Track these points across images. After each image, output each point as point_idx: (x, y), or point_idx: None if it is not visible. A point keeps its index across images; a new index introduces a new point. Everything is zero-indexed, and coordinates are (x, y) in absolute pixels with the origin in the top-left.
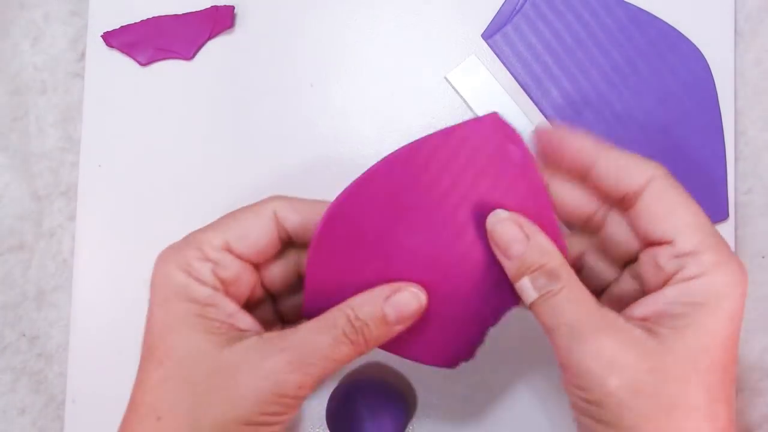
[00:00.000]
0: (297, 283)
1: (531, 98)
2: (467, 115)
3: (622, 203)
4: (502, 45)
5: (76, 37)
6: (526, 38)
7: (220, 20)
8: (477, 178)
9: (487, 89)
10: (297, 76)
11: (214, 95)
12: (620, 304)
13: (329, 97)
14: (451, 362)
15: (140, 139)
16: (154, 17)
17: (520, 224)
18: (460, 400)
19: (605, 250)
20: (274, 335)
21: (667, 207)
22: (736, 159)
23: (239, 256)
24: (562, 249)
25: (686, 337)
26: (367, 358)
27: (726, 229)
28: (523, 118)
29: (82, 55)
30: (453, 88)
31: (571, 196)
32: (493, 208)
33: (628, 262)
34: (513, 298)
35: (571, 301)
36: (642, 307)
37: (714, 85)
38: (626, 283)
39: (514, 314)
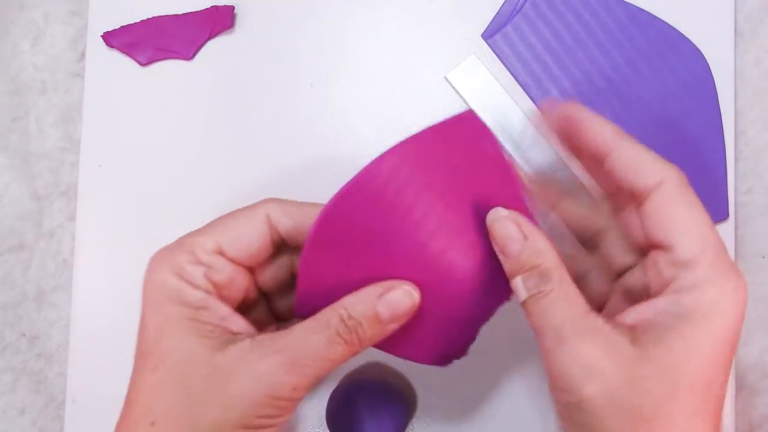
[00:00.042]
0: (290, 282)
1: (531, 98)
2: None
3: (632, 198)
4: (502, 45)
5: (76, 37)
6: (526, 38)
7: (220, 20)
8: (460, 174)
9: (487, 89)
10: (297, 76)
11: (214, 95)
12: (632, 297)
13: (329, 97)
14: (443, 360)
15: (140, 139)
16: (154, 17)
17: (519, 223)
18: (460, 400)
19: (619, 239)
20: (267, 337)
21: (671, 212)
22: (736, 159)
23: (232, 260)
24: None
25: (669, 351)
26: (367, 358)
27: (726, 229)
28: (523, 118)
29: (82, 55)
30: (453, 88)
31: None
32: (478, 203)
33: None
34: (504, 293)
35: (559, 304)
36: (634, 314)
37: (714, 85)
38: (637, 278)
39: (514, 314)
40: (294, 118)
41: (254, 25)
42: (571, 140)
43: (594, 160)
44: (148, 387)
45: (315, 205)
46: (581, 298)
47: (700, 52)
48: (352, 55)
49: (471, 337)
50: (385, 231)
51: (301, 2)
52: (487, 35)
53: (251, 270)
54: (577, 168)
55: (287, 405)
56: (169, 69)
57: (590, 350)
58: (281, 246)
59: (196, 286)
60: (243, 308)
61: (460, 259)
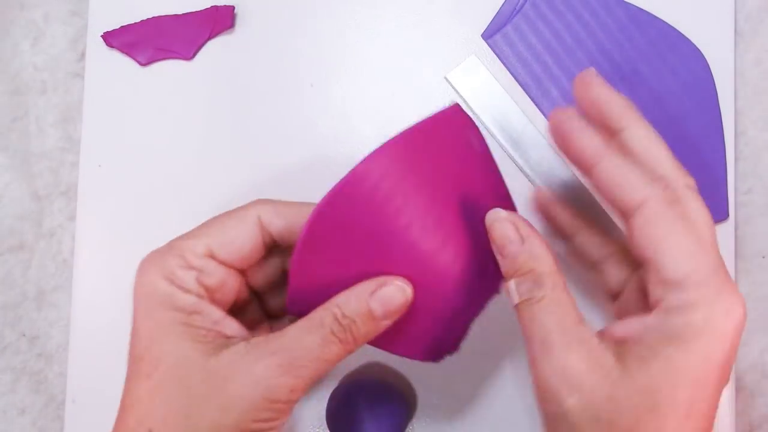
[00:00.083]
0: (281, 279)
1: (531, 98)
2: None
3: (620, 213)
4: (502, 45)
5: (76, 37)
6: (526, 38)
7: (220, 20)
8: (448, 169)
9: (487, 89)
10: (297, 76)
11: (214, 95)
12: (642, 293)
13: (329, 97)
14: (436, 356)
15: (140, 139)
16: (154, 17)
17: (517, 226)
18: (460, 400)
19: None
20: (262, 340)
21: (656, 232)
22: (736, 159)
23: (223, 263)
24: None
25: (652, 371)
26: (367, 358)
27: (726, 229)
28: (523, 118)
29: (82, 55)
30: (453, 88)
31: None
32: (466, 196)
33: None
34: (494, 288)
35: (550, 313)
36: (624, 326)
37: (714, 85)
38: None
39: (514, 315)
40: (294, 118)
41: (254, 25)
42: (563, 149)
43: (586, 170)
44: (144, 393)
45: (306, 204)
46: (573, 306)
47: (700, 52)
48: (352, 55)
49: (463, 333)
50: (376, 228)
51: (301, 2)
52: (487, 35)
53: (243, 271)
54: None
55: (284, 408)
56: (169, 69)
57: (575, 363)
58: (273, 246)
59: (188, 291)
60: (234, 308)
61: (449, 255)
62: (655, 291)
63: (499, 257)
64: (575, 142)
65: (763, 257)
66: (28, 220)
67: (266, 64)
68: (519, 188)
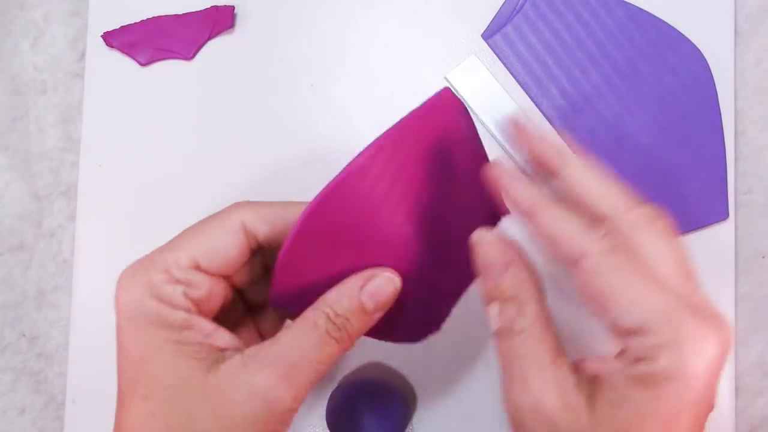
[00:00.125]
0: (263, 274)
1: (531, 98)
2: None
3: (564, 266)
4: (502, 45)
5: (76, 37)
6: (526, 38)
7: (220, 20)
8: (440, 153)
9: (487, 89)
10: (297, 76)
11: (214, 95)
12: None
13: (329, 97)
14: (421, 338)
15: (140, 139)
16: (154, 17)
17: (504, 249)
18: (460, 400)
19: None
20: (256, 350)
21: (602, 284)
22: (736, 159)
23: (209, 273)
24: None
25: (618, 416)
26: (367, 358)
27: (726, 229)
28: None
29: (82, 55)
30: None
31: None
32: (453, 181)
33: None
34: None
35: (529, 347)
36: (596, 364)
37: (714, 85)
38: None
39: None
40: (294, 118)
41: (254, 25)
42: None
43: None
44: (143, 416)
45: (287, 204)
46: (552, 339)
47: (700, 52)
48: (352, 55)
49: (447, 313)
50: (364, 223)
51: (301, 2)
52: (487, 35)
53: (228, 276)
54: None
55: (288, 417)
56: (169, 69)
57: (550, 402)
58: (257, 249)
59: (176, 307)
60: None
61: (435, 239)
62: (616, 340)
63: (482, 279)
64: (510, 195)
65: (763, 257)
66: (28, 220)
67: (266, 64)
68: None
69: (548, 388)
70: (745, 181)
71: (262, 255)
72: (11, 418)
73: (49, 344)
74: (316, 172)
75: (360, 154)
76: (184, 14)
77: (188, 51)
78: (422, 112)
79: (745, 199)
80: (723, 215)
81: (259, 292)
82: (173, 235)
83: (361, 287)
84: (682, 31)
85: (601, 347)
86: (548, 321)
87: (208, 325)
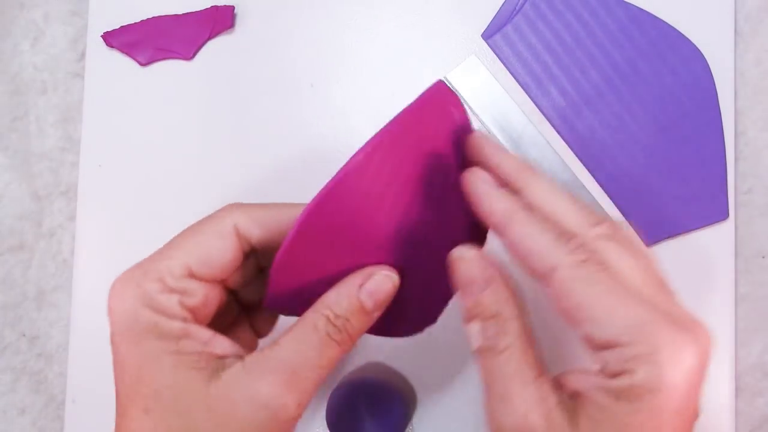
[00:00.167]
0: (256, 275)
1: (531, 98)
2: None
3: (536, 280)
4: (502, 45)
5: (76, 37)
6: (526, 38)
7: (220, 20)
8: (435, 148)
9: (487, 89)
10: (297, 76)
11: (214, 95)
12: None
13: (329, 97)
14: (418, 331)
15: (140, 139)
16: (154, 17)
17: (485, 265)
18: (460, 400)
19: None
20: (257, 357)
21: (574, 298)
22: (736, 159)
23: (203, 279)
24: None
25: None
26: (367, 358)
27: (726, 229)
28: (523, 118)
29: (82, 55)
30: (453, 88)
31: None
32: (448, 175)
33: None
34: None
35: (512, 366)
36: (577, 379)
37: (714, 85)
38: None
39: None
40: (294, 118)
41: (254, 25)
42: (475, 212)
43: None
44: (145, 430)
45: (281, 206)
46: (534, 355)
47: (700, 52)
48: (352, 55)
49: (442, 307)
50: (364, 222)
51: (301, 2)
52: (487, 35)
53: (222, 281)
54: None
55: (291, 425)
56: (169, 69)
57: (533, 420)
58: (250, 252)
59: (172, 317)
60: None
61: (429, 232)
62: (593, 354)
63: (461, 297)
64: (482, 206)
65: (763, 257)
66: (28, 220)
67: (266, 64)
68: None
69: (532, 407)
70: (745, 181)
71: (255, 256)
72: (11, 418)
73: (49, 344)
74: (316, 171)
75: (357, 153)
76: (184, 14)
77: (188, 51)
78: (417, 107)
79: (745, 199)
80: (723, 215)
81: (253, 291)
82: (173, 235)
83: (360, 286)
84: (682, 31)
85: (582, 361)
86: (530, 338)
87: (206, 333)
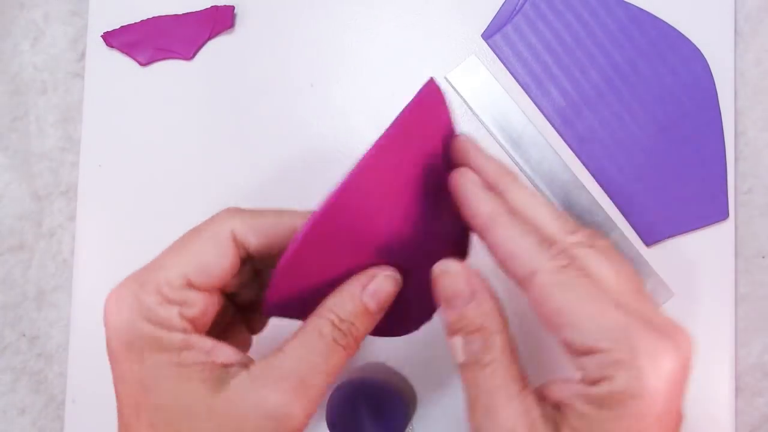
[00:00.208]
0: (252, 278)
1: (531, 98)
2: (467, 115)
3: (516, 283)
4: (502, 45)
5: (76, 37)
6: (526, 38)
7: (220, 20)
8: (429, 147)
9: (487, 89)
10: (297, 76)
11: (214, 95)
12: None
13: (329, 97)
14: (413, 329)
15: (140, 139)
16: (154, 17)
17: (469, 279)
18: (460, 400)
19: None
20: (262, 366)
21: (554, 302)
22: (736, 159)
23: (201, 288)
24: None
25: None
26: (367, 358)
27: (726, 229)
28: (523, 118)
29: (82, 55)
30: (453, 88)
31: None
32: (439, 175)
33: None
34: (464, 255)
35: (497, 380)
36: (559, 389)
37: (714, 85)
38: None
39: (511, 318)
40: (294, 118)
41: (254, 25)
42: (461, 212)
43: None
44: None
45: (279, 213)
46: (518, 368)
47: (700, 52)
48: (352, 55)
49: (438, 305)
50: (367, 226)
51: (301, 3)
52: (487, 35)
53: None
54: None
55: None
56: (169, 69)
57: None
58: (247, 257)
59: (172, 328)
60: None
61: (427, 231)
62: (572, 360)
63: (444, 311)
64: (469, 207)
65: (763, 257)
66: (28, 220)
67: (266, 64)
68: None
69: (517, 421)
70: (745, 181)
71: (252, 260)
72: (11, 418)
73: (49, 344)
74: (316, 171)
75: (363, 157)
76: (184, 14)
77: (188, 51)
78: (415, 107)
79: (745, 199)
80: (723, 215)
81: (248, 293)
82: (173, 235)
83: (364, 287)
84: (682, 31)
85: (562, 371)
86: (514, 351)
87: (208, 342)
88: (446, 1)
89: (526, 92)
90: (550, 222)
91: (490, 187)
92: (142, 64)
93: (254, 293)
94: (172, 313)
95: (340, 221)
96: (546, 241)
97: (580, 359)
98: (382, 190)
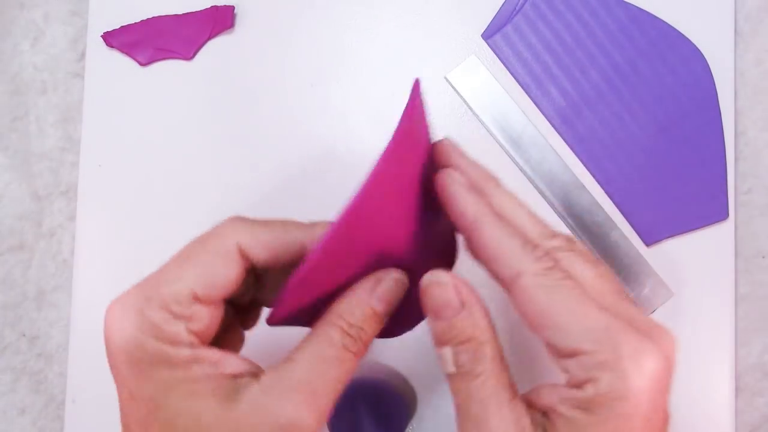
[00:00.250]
0: (252, 282)
1: (531, 98)
2: (467, 115)
3: (500, 285)
4: (502, 45)
5: (76, 37)
6: (526, 38)
7: (220, 20)
8: (423, 149)
9: (487, 89)
10: (297, 76)
11: (214, 95)
12: None
13: (329, 97)
14: (410, 328)
15: (140, 139)
16: (154, 17)
17: (459, 289)
18: None
19: None
20: (274, 377)
21: (540, 305)
22: (736, 159)
23: (207, 302)
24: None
25: None
26: (367, 358)
27: (726, 229)
28: (523, 118)
29: (82, 55)
30: (453, 88)
31: None
32: (428, 177)
33: None
34: (449, 260)
35: (487, 390)
36: (546, 394)
37: (714, 85)
38: None
39: (510, 318)
40: (294, 118)
41: (254, 25)
42: (447, 212)
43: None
44: None
45: (285, 225)
46: (508, 377)
47: (700, 52)
48: (352, 55)
49: None
50: (380, 232)
51: (301, 2)
52: (487, 35)
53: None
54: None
55: None
56: (169, 69)
57: None
58: (251, 268)
59: (180, 344)
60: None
61: (426, 230)
62: (556, 362)
63: (434, 321)
64: (456, 207)
65: (763, 257)
66: (28, 220)
67: (266, 64)
68: (519, 188)
69: (508, 430)
70: (745, 181)
71: (254, 269)
72: (11, 418)
73: (49, 344)
74: (316, 171)
75: (375, 166)
76: (184, 14)
77: (188, 51)
78: (413, 109)
79: (745, 199)
80: (723, 215)
81: (246, 294)
82: (172, 235)
83: (372, 290)
84: (682, 31)
85: (548, 377)
86: (503, 360)
87: (215, 354)
88: (446, 1)
89: (526, 92)
90: (532, 226)
91: (474, 190)
92: (142, 64)
93: (251, 295)
94: (179, 329)
95: (356, 233)
96: (530, 244)
97: (565, 361)
98: (393, 197)
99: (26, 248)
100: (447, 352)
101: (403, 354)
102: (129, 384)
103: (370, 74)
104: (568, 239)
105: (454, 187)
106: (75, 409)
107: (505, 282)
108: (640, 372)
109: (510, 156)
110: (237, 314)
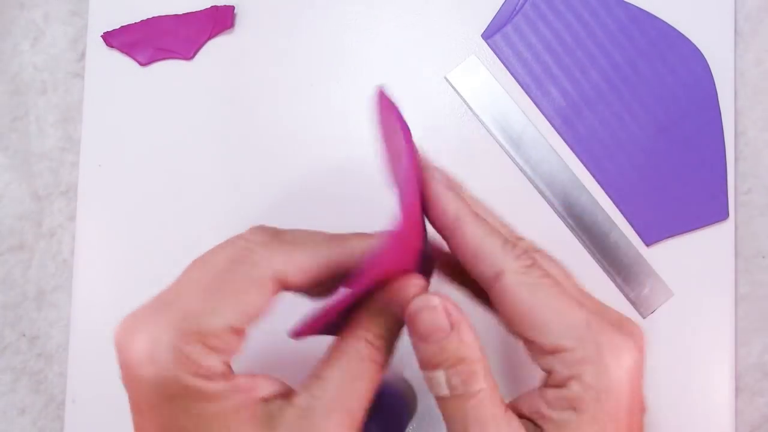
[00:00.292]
0: None
1: (531, 98)
2: (467, 115)
3: (482, 284)
4: (502, 45)
5: (76, 37)
6: (526, 38)
7: (220, 20)
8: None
9: (487, 89)
10: (297, 76)
11: (214, 95)
12: None
13: (329, 97)
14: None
15: (140, 139)
16: (154, 17)
17: (449, 311)
18: None
19: None
20: (305, 399)
21: (521, 303)
22: (736, 159)
23: (242, 332)
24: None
25: None
26: None
27: (726, 229)
28: (523, 118)
29: (82, 55)
30: (453, 88)
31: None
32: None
33: None
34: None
35: (484, 408)
36: (529, 402)
37: (714, 85)
38: None
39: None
40: (294, 118)
41: (254, 25)
42: (426, 211)
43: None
44: None
45: (314, 239)
46: (499, 399)
47: (700, 52)
48: (352, 56)
49: None
50: (408, 241)
51: (301, 2)
52: (487, 35)
53: None
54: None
55: None
56: (169, 69)
57: None
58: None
59: (216, 377)
60: None
61: (420, 239)
62: (539, 361)
63: (422, 345)
64: (438, 204)
65: (763, 257)
66: (28, 220)
67: (266, 64)
68: (519, 188)
69: None
70: (745, 181)
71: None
72: (11, 418)
73: (49, 344)
74: (316, 172)
75: (405, 178)
76: (184, 14)
77: (188, 51)
78: (400, 119)
79: (745, 199)
80: (723, 215)
81: None
82: (172, 235)
83: (395, 300)
84: (682, 31)
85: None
86: (491, 374)
87: (247, 380)
88: (446, 1)
89: (526, 92)
90: (501, 227)
91: (453, 189)
92: (142, 64)
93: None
94: (215, 362)
95: (396, 249)
96: (509, 242)
97: (546, 359)
98: (419, 206)
99: (26, 248)
100: (440, 375)
101: (403, 354)
102: (161, 419)
103: (370, 74)
104: (532, 242)
105: (434, 184)
106: (75, 409)
107: (486, 281)
108: (620, 366)
109: (510, 156)
110: None
